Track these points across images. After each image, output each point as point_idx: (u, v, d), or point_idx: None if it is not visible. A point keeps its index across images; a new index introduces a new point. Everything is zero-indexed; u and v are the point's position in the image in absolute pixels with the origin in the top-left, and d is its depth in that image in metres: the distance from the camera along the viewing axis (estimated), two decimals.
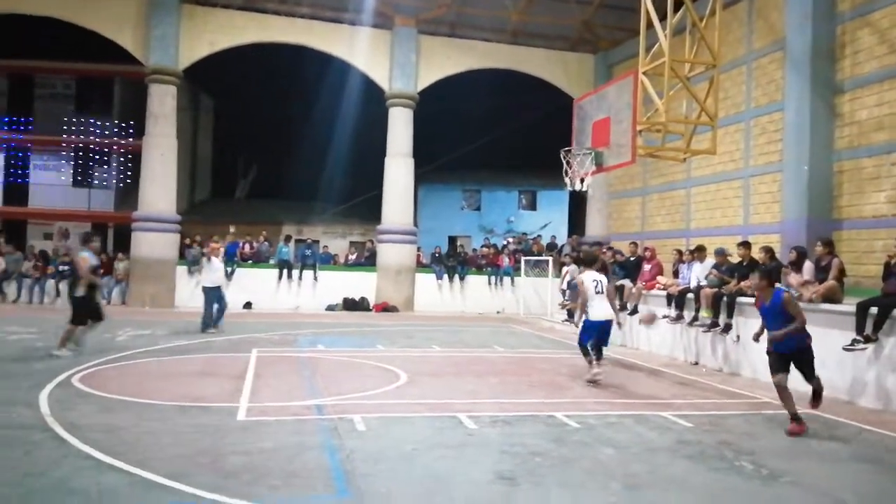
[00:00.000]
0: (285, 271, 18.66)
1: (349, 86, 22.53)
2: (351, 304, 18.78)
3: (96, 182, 25.19)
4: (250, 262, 18.99)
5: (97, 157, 25.13)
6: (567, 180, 13.11)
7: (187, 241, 18.75)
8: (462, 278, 19.76)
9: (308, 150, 29.59)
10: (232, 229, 18.56)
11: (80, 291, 8.94)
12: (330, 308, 18.46)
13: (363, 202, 24.95)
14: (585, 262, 9.01)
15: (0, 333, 10.84)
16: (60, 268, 17.30)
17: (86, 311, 8.96)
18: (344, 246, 25.28)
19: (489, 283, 19.84)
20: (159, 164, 17.85)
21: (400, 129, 19.27)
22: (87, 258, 9.04)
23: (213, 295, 12.20)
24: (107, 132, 24.63)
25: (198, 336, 11.39)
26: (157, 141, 17.85)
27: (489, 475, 4.46)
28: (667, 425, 6.04)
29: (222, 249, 13.25)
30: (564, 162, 13.00)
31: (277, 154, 33.27)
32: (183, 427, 5.39)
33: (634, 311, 11.69)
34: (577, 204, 24.95)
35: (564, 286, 15.45)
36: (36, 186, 25.01)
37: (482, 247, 21.87)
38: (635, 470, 4.68)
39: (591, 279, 8.25)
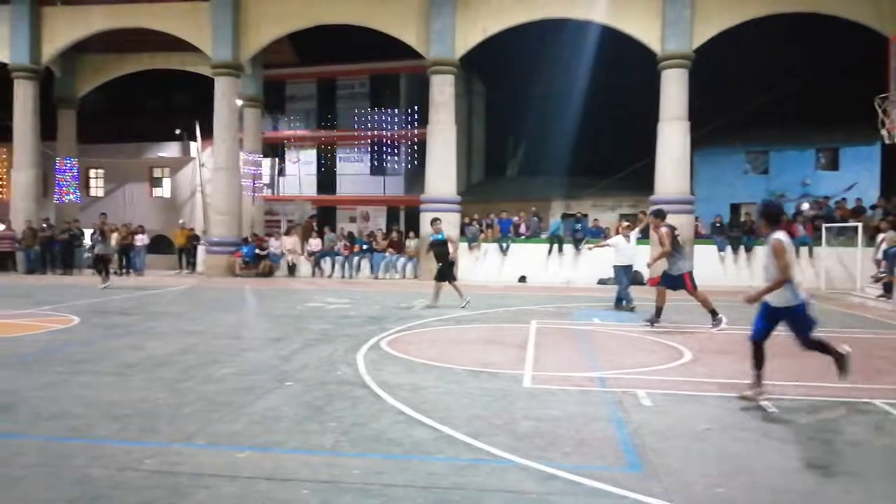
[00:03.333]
0: (556, 246, 18.95)
1: (613, 53, 21.91)
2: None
3: (389, 169, 28.14)
4: (523, 237, 19.65)
5: (389, 147, 28.01)
6: (883, 132, 11.20)
7: (466, 219, 20.03)
8: (748, 249, 18.11)
9: (574, 124, 29.48)
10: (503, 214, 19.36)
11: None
12: (602, 282, 18.29)
13: (632, 173, 24.15)
14: None
15: (320, 303, 12.72)
16: (364, 246, 19.96)
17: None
18: (614, 219, 24.80)
19: None
20: (441, 150, 19.32)
21: (673, 91, 18.21)
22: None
23: (625, 273, 12.38)
24: (396, 123, 27.32)
25: (479, 308, 12.12)
26: (439, 128, 19.31)
27: (795, 462, 4.05)
28: None
29: (634, 231, 12.65)
30: (880, 111, 11.11)
31: (544, 130, 33.72)
32: (475, 390, 5.80)
33: None
34: (894, 160, 21.21)
35: (879, 256, 13.30)
36: (342, 176, 28.79)
37: None
38: None
39: None
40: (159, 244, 25.60)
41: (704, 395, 5.72)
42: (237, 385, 5.87)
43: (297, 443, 4.32)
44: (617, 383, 6.10)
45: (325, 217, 27.17)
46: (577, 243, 18.92)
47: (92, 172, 30.07)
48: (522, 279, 18.76)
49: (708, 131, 23.36)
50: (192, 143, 28.46)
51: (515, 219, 20.11)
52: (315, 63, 27.45)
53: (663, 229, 9.85)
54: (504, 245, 19.38)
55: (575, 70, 27.76)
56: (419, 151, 25.09)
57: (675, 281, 9.79)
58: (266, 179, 27.63)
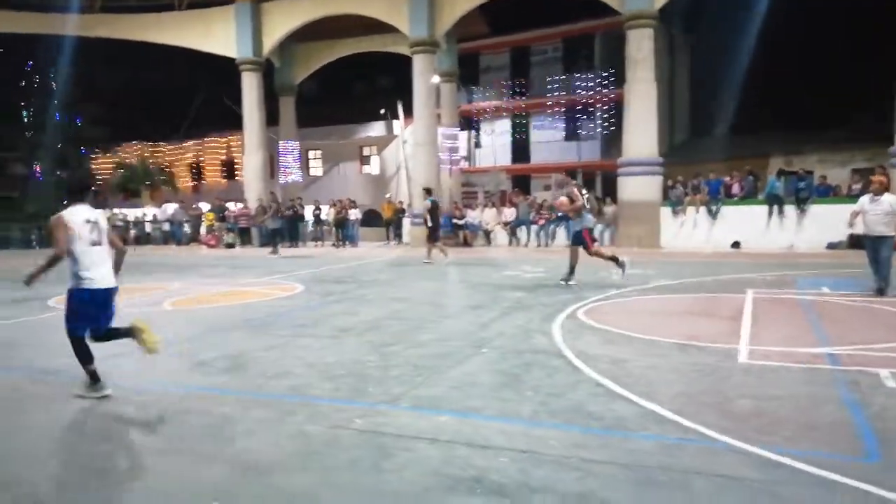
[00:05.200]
0: (776, 207, 17.12)
1: None
2: (857, 242, 16.11)
3: (584, 134, 27.37)
4: (736, 199, 18.04)
5: (583, 111, 27.20)
6: None
7: (669, 182, 18.85)
8: None
9: (794, 71, 26.27)
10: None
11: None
12: (831, 246, 16.24)
13: (870, 120, 20.96)
14: None
15: (517, 272, 12.76)
16: (559, 214, 19.56)
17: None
18: (845, 175, 21.82)
19: None
20: (640, 110, 18.28)
21: None
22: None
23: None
24: (590, 86, 26.41)
25: (684, 277, 11.35)
26: (638, 86, 18.28)
27: None
28: None
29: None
30: None
31: (758, 81, 30.50)
32: (682, 365, 5.40)
33: None
34: None
35: None
36: (535, 144, 28.59)
37: None
38: None
39: None
40: (370, 218, 27.44)
41: None
42: (438, 350, 6.05)
43: (494, 410, 4.33)
44: (852, 360, 5.32)
45: (519, 185, 27.22)
46: (799, 203, 16.94)
47: (311, 153, 32.98)
48: (736, 245, 17.26)
49: None
50: (395, 122, 29.99)
51: (727, 179, 18.50)
52: (507, 32, 27.35)
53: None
54: (713, 208, 17.94)
55: (795, 11, 24.64)
56: (616, 114, 24.03)
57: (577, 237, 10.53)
58: (462, 152, 28.29)
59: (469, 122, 29.59)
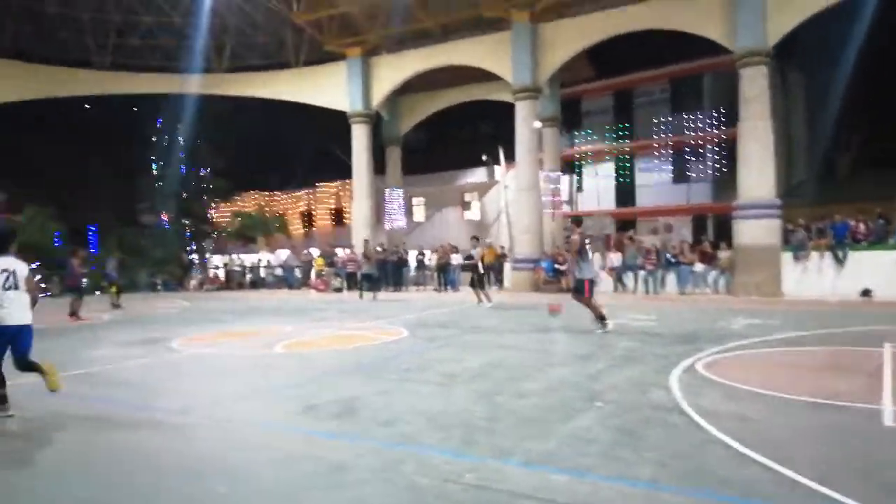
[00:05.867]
0: None
1: None
2: None
3: (693, 176, 26.44)
4: (864, 243, 16.73)
5: (692, 151, 26.35)
6: None
7: (789, 225, 17.78)
8: None
9: None
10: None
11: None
12: None
13: None
14: None
15: (624, 320, 12.29)
16: (671, 259, 18.87)
17: None
18: None
19: None
20: (755, 149, 17.50)
21: None
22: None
23: None
24: (700, 127, 25.60)
25: (811, 328, 10.53)
26: (752, 125, 17.55)
27: None
28: None
29: None
30: None
31: (885, 117, 28.48)
32: (818, 426, 4.93)
33: None
34: None
35: None
36: (641, 187, 27.89)
37: None
38: None
39: None
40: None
41: None
42: (547, 402, 5.86)
43: (611, 470, 4.08)
44: None
45: (624, 230, 26.54)
46: None
47: (414, 200, 33.77)
48: (866, 293, 15.91)
49: None
50: (496, 168, 30.24)
51: (853, 222, 17.22)
52: (611, 74, 27.15)
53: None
54: (840, 253, 16.70)
55: None
56: (728, 154, 23.12)
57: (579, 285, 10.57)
58: (565, 196, 28.04)
59: (571, 166, 29.37)
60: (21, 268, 5.95)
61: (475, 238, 17.66)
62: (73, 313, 15.38)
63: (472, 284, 16.81)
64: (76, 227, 36.14)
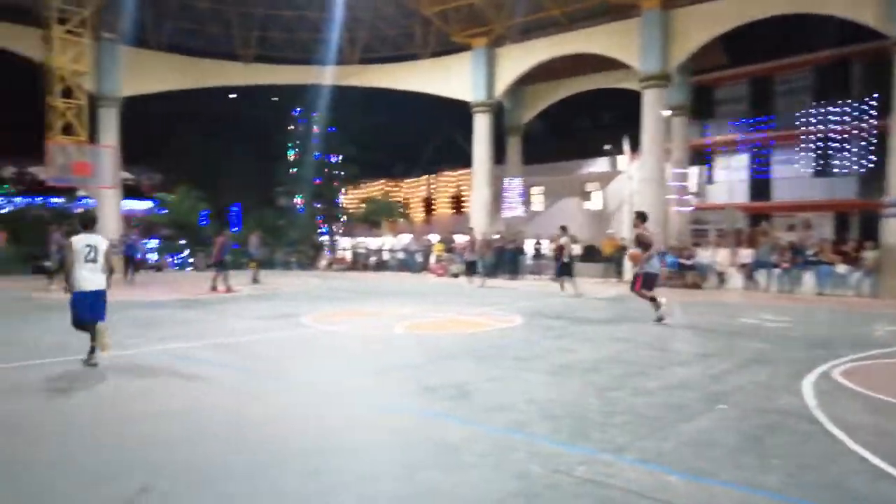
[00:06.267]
0: None
1: None
2: None
3: (837, 170, 24.42)
4: None
5: (837, 144, 24.33)
6: None
7: None
8: None
9: None
10: None
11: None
12: None
13: None
14: None
15: (755, 320, 11.64)
16: (810, 258, 17.63)
17: None
18: None
19: None
20: None
21: None
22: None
23: None
24: (846, 118, 23.58)
25: None
26: None
27: None
28: None
29: None
30: None
31: None
32: None
33: None
34: None
35: None
36: (778, 181, 26.09)
37: None
38: None
39: None
40: (589, 254, 27.04)
41: None
42: (665, 400, 5.70)
43: (732, 476, 3.92)
44: None
45: (756, 224, 24.96)
46: None
47: (533, 190, 33.54)
48: None
49: None
50: (620, 157, 29.40)
51: None
52: (748, 62, 25.53)
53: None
54: None
55: None
56: (877, 147, 21.14)
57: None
58: (693, 188, 26.78)
59: (701, 156, 27.98)
60: (102, 245, 7.10)
61: (563, 228, 17.42)
62: (214, 287, 16.70)
63: (559, 274, 16.90)
64: (220, 207, 39.16)
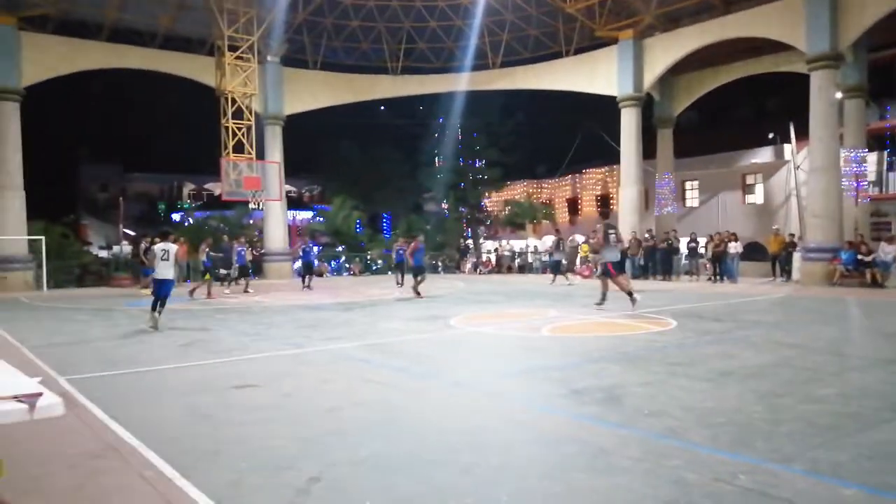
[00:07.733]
0: None
1: None
2: None
3: None
4: None
5: None
6: None
7: None
8: None
9: None
10: None
11: None
12: None
13: None
14: None
15: None
16: None
17: None
18: None
19: None
20: None
21: None
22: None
23: None
24: None
25: None
26: None
27: None
28: None
29: None
30: None
31: None
32: None
33: None
34: None
35: None
36: None
37: None
38: None
39: None
40: (752, 251, 25.29)
41: None
42: (841, 409, 5.21)
43: None
44: None
45: None
46: None
47: (687, 185, 31.95)
48: None
49: None
50: (785, 146, 27.24)
51: None
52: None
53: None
54: None
55: None
56: None
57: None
58: (872, 176, 24.17)
59: (881, 141, 25.17)
60: (173, 249, 10.76)
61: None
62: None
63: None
64: (373, 214, 41.24)
